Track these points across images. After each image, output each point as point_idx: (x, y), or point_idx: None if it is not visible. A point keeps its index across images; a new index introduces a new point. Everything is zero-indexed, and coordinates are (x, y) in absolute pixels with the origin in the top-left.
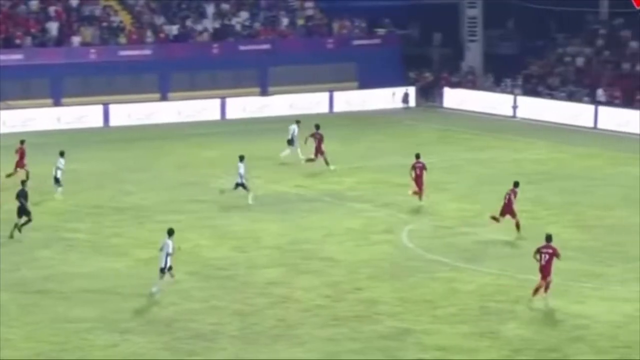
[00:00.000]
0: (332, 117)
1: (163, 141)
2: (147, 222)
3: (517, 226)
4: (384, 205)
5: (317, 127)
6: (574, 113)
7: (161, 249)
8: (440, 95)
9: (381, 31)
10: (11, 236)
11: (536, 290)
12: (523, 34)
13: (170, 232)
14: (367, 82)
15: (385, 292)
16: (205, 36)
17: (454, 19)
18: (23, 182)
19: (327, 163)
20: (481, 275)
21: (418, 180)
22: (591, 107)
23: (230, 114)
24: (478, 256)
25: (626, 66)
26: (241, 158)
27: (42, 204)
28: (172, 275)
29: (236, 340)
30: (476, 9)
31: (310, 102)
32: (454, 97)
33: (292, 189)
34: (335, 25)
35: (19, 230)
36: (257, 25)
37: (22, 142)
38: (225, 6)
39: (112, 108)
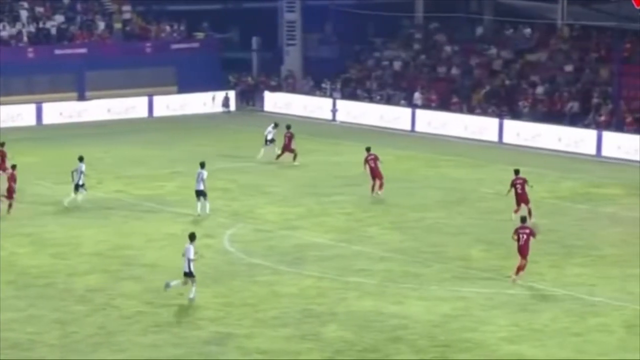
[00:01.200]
0: (152, 121)
1: None
2: None
3: (529, 213)
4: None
5: (289, 127)
6: (392, 116)
7: (183, 255)
8: (261, 99)
9: (200, 35)
10: None
11: (518, 270)
12: (341, 38)
13: (192, 238)
14: (186, 86)
15: (208, 297)
16: (20, 40)
17: (273, 23)
18: None
19: (294, 158)
20: (302, 278)
21: (374, 172)
22: (408, 110)
23: (47, 119)
24: (299, 259)
25: (442, 70)
26: (81, 159)
27: None
28: (184, 283)
29: (55, 349)
30: (295, 13)
31: (129, 107)
32: (274, 101)
33: (112, 195)
34: (154, 29)
35: None
36: (73, 28)
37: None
38: (39, 9)
39: None
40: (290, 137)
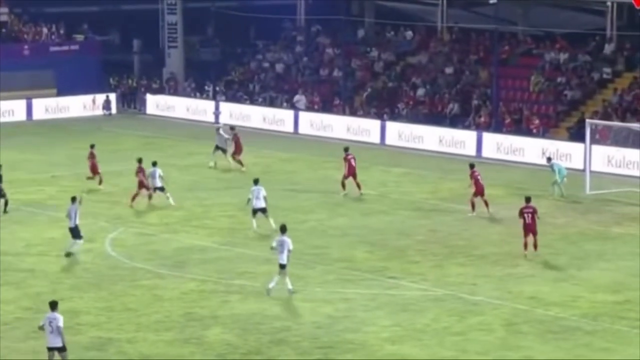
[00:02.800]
0: (31, 124)
1: None
2: None
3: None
4: (85, 213)
5: (232, 127)
6: (276, 119)
7: (273, 247)
8: (143, 102)
9: (79, 37)
10: None
11: (525, 245)
12: (223, 40)
13: (283, 229)
14: (66, 88)
15: (88, 302)
16: None
17: (154, 25)
18: None
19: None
20: (185, 282)
21: (351, 170)
22: (291, 113)
23: None
24: (181, 263)
25: (324, 72)
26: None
27: None
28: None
29: None
30: (176, 15)
31: (7, 110)
32: (157, 104)
33: None
34: (31, 31)
35: None
36: None
37: None
38: None
39: None
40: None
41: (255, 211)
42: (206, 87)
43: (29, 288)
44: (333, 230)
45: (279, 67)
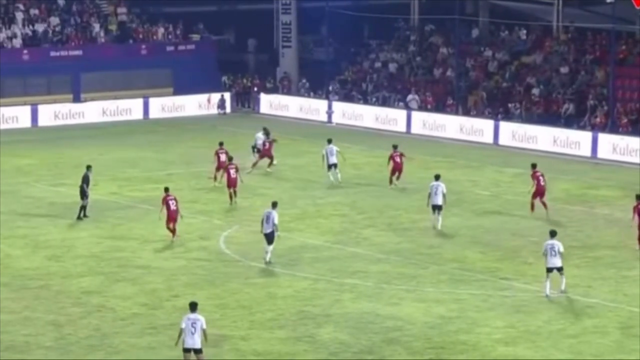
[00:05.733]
0: (147, 123)
1: None
2: None
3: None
4: (199, 211)
5: (268, 133)
6: (388, 118)
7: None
8: (257, 101)
9: (196, 37)
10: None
11: None
12: (337, 40)
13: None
14: (182, 88)
15: (202, 299)
16: (15, 42)
17: (268, 24)
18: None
19: (269, 165)
20: (298, 280)
21: (397, 166)
22: (404, 112)
23: (42, 121)
24: (295, 261)
25: (437, 72)
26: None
27: None
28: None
29: (51, 351)
30: (290, 15)
31: (124, 109)
32: (270, 103)
33: (107, 197)
34: (149, 31)
35: None
36: (68, 30)
37: None
38: (34, 12)
39: None
40: (270, 143)
41: (434, 208)
42: (319, 87)
43: (146, 284)
44: (446, 230)
45: (392, 67)
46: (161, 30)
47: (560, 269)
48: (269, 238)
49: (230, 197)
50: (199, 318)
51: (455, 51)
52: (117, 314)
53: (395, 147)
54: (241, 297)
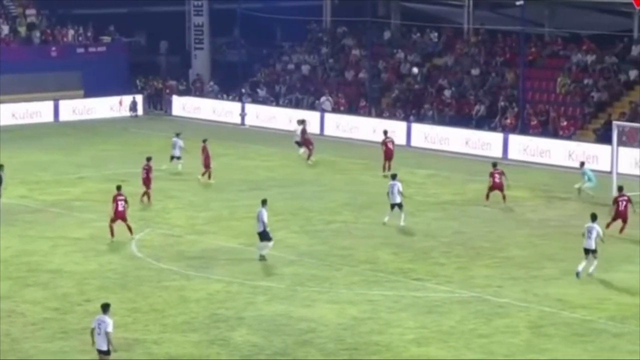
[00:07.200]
0: (58, 126)
1: None
2: None
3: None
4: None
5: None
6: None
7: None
8: (169, 103)
9: (106, 39)
10: None
11: (608, 226)
12: (249, 41)
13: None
14: (93, 90)
15: (115, 303)
16: None
17: (180, 26)
18: None
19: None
20: (211, 283)
21: (388, 153)
22: (317, 114)
23: None
24: (208, 264)
25: (350, 74)
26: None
27: None
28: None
29: None
30: (202, 16)
31: (34, 111)
32: (183, 105)
33: (16, 200)
34: (59, 33)
35: None
36: None
37: None
38: None
39: None
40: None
41: (392, 206)
42: (232, 89)
43: (57, 289)
44: (358, 231)
45: (305, 69)
46: (71, 32)
47: (593, 252)
48: (260, 236)
49: (146, 195)
50: (105, 320)
51: (368, 53)
52: (27, 319)
53: (385, 132)
54: (154, 301)
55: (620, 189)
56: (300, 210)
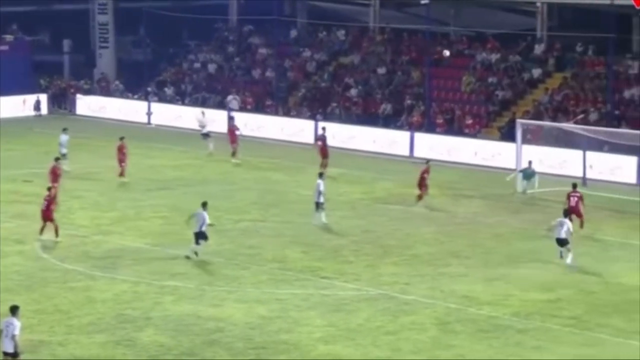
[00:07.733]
0: None
1: None
2: None
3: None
4: (15, 215)
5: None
6: (208, 119)
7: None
8: (73, 103)
9: (9, 37)
10: None
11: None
12: (155, 40)
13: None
14: None
15: (20, 305)
16: None
17: (84, 25)
18: None
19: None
20: (117, 283)
21: (323, 151)
22: (224, 113)
23: None
24: (114, 264)
25: (256, 72)
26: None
27: None
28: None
29: None
30: (107, 15)
31: None
32: (87, 104)
33: None
34: None
35: None
36: None
37: None
38: None
39: None
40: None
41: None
42: (138, 88)
43: None
44: (266, 230)
45: (211, 68)
46: None
47: (566, 243)
48: (196, 237)
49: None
50: (12, 322)
51: (274, 52)
52: None
53: (324, 129)
54: (59, 302)
55: (574, 185)
56: (209, 210)
